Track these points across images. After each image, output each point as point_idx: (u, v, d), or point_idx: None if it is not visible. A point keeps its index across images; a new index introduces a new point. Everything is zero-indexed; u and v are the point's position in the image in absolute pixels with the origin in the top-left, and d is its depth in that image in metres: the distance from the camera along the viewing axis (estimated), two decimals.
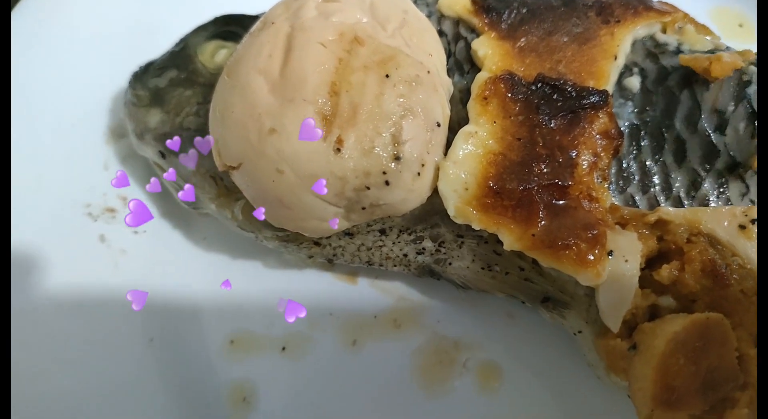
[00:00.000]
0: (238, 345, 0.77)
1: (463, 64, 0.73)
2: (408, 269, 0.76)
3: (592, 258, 0.60)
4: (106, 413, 0.71)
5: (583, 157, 0.66)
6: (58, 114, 0.85)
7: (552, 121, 0.66)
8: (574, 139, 0.66)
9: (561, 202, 0.64)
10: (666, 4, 0.80)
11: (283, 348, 0.77)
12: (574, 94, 0.67)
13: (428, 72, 0.65)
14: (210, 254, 0.82)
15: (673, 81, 0.72)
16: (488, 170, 0.63)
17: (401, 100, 0.62)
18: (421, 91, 0.63)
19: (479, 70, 0.71)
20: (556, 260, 0.61)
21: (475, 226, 0.63)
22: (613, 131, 0.67)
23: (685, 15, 0.80)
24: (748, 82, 0.70)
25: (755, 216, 0.64)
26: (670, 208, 0.66)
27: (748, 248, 0.64)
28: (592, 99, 0.67)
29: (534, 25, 0.73)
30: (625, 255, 0.62)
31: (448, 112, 0.67)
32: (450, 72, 0.72)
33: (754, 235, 0.63)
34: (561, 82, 0.68)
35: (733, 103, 0.70)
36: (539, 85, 0.67)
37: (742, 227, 0.64)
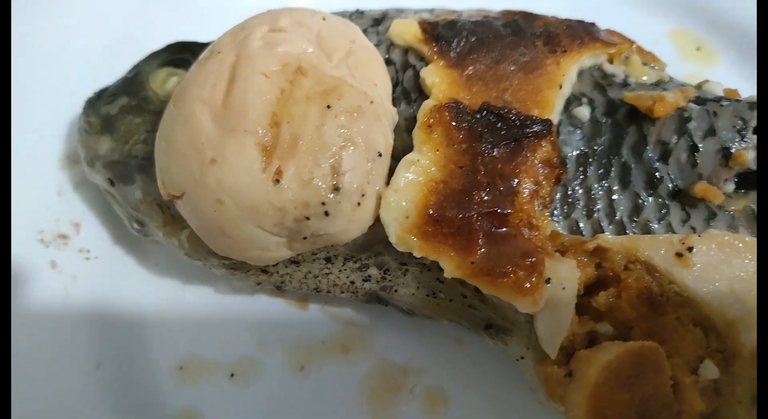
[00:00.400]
0: (187, 371, 0.77)
1: (410, 93, 0.74)
2: (356, 296, 0.76)
3: (529, 285, 0.61)
4: None
5: (524, 186, 0.67)
6: (15, 139, 0.84)
7: (495, 149, 0.67)
8: (515, 168, 0.67)
9: (500, 230, 0.64)
10: (614, 33, 0.82)
11: (232, 375, 0.77)
12: (517, 122, 0.68)
13: (371, 102, 0.66)
14: (161, 280, 0.82)
15: (620, 115, 0.74)
16: (429, 198, 0.64)
17: (342, 130, 0.63)
18: (362, 121, 0.64)
19: (427, 98, 0.72)
20: (495, 288, 0.62)
21: (416, 254, 0.64)
22: (555, 160, 0.68)
23: (632, 44, 0.82)
24: (689, 118, 0.72)
25: (692, 244, 0.65)
26: (609, 236, 0.67)
27: (684, 276, 0.64)
28: (536, 128, 0.68)
29: (482, 53, 0.74)
30: (562, 283, 0.63)
31: (391, 142, 0.68)
32: (397, 100, 0.73)
33: (691, 263, 0.64)
34: (505, 110, 0.69)
35: (675, 137, 0.71)
36: (484, 113, 0.68)
37: (679, 255, 0.65)
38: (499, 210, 0.64)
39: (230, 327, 0.80)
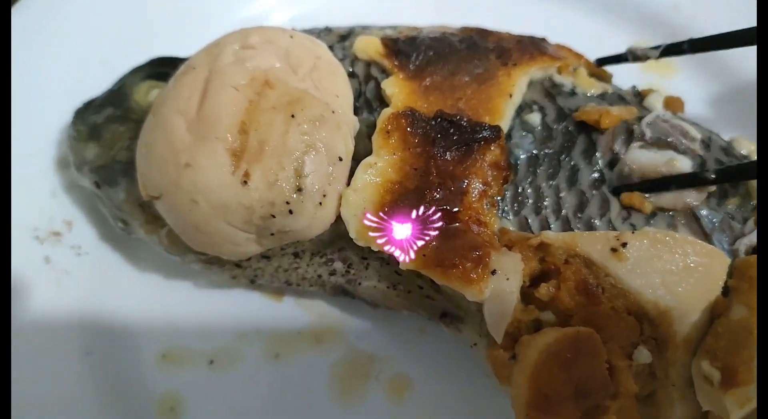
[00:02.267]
0: (170, 358, 0.82)
1: (372, 102, 0.79)
2: (324, 289, 0.81)
3: (475, 276, 0.65)
4: None
5: (473, 186, 0.71)
6: (12, 143, 0.89)
7: (447, 153, 0.71)
8: (465, 170, 0.71)
9: (451, 226, 0.69)
10: (562, 48, 0.87)
11: (211, 362, 0.82)
12: (468, 128, 0.72)
13: (333, 111, 0.71)
14: (147, 274, 0.87)
15: (570, 123, 0.79)
16: (385, 197, 0.69)
17: (305, 137, 0.67)
18: (324, 129, 0.69)
19: (387, 106, 0.77)
20: (445, 278, 0.66)
21: (374, 248, 0.68)
22: (503, 163, 0.73)
23: (580, 58, 0.87)
24: (633, 130, 0.78)
25: (627, 241, 0.69)
26: (551, 233, 0.71)
27: (619, 269, 0.68)
28: (485, 133, 0.72)
29: (439, 66, 0.79)
30: (507, 274, 0.67)
31: (351, 148, 0.72)
32: (360, 109, 0.78)
33: (625, 257, 0.68)
34: (458, 117, 0.73)
35: (624, 147, 0.77)
36: (438, 120, 0.73)
37: (614, 250, 0.68)
38: (449, 208, 0.69)
39: (210, 318, 0.84)
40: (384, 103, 0.79)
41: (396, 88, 0.77)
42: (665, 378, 0.68)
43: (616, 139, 0.78)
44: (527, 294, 0.70)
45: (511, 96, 0.79)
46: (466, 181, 0.71)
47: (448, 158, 0.71)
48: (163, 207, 0.70)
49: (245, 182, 0.65)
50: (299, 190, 0.66)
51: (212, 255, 0.74)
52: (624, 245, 0.69)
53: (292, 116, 0.68)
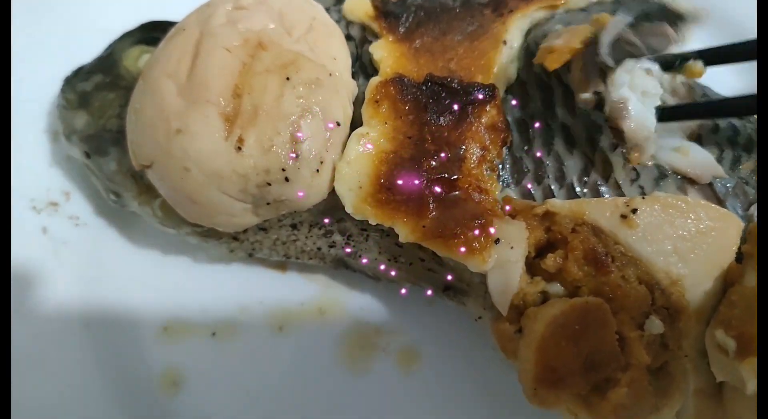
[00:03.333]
0: (171, 332, 0.80)
1: (367, 67, 0.75)
2: (324, 262, 0.78)
3: (477, 245, 0.62)
4: (42, 393, 0.74)
5: (471, 151, 0.67)
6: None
7: (440, 118, 0.67)
8: (461, 134, 0.67)
9: (450, 195, 0.65)
10: None
11: (214, 334, 0.80)
12: (461, 90, 0.68)
13: (330, 75, 0.67)
14: (147, 246, 0.85)
15: (538, 68, 0.72)
16: (380, 168, 0.65)
17: (300, 101, 0.64)
18: (320, 92, 0.65)
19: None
20: (447, 248, 0.63)
21: (372, 221, 0.65)
22: (500, 124, 0.69)
23: None
24: (595, 47, 0.67)
25: (636, 206, 0.65)
26: (557, 200, 0.68)
27: (629, 236, 0.65)
28: (479, 94, 0.68)
29: (430, 26, 0.75)
30: (511, 243, 0.64)
31: (350, 113, 0.69)
32: (356, 74, 0.74)
33: (636, 224, 0.65)
34: (448, 79, 0.69)
35: (602, 83, 0.68)
36: (428, 84, 0.69)
37: (623, 217, 0.65)
38: (447, 176, 0.65)
39: (212, 290, 0.82)
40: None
41: (384, 52, 0.73)
42: (678, 348, 0.65)
43: (589, 77, 0.68)
44: (533, 266, 0.67)
45: (505, 42, 0.74)
46: (463, 147, 0.67)
47: (442, 123, 0.67)
48: (155, 176, 0.67)
49: (239, 148, 0.62)
50: (295, 156, 0.63)
51: (208, 228, 0.71)
52: (634, 211, 0.65)
53: (287, 79, 0.64)
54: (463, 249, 0.62)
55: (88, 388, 0.75)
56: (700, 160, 0.71)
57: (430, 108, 0.67)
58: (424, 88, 0.68)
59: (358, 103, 0.72)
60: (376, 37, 0.75)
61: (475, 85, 0.68)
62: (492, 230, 0.63)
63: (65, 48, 0.90)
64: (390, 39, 0.73)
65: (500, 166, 0.70)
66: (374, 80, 0.70)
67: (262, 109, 0.63)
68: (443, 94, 0.68)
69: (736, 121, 0.74)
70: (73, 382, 0.75)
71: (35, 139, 0.87)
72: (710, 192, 0.70)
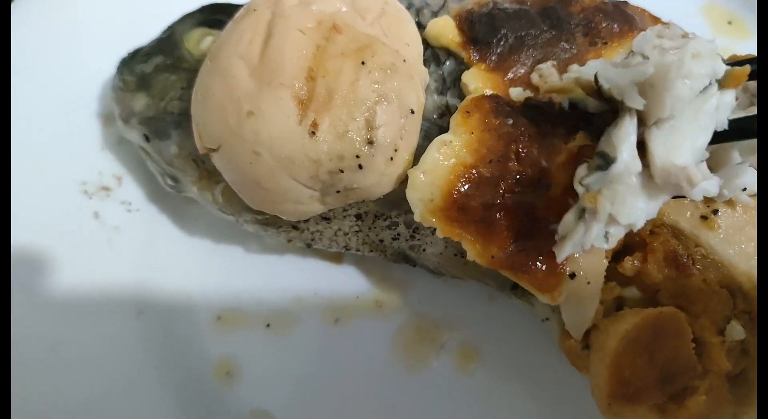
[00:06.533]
0: (225, 321, 0.76)
1: (440, 55, 0.70)
2: (384, 255, 0.73)
3: (548, 284, 0.58)
4: (95, 381, 0.70)
5: (558, 180, 0.60)
6: (60, 98, 0.83)
7: (531, 140, 0.61)
8: (550, 160, 0.61)
9: (526, 225, 0.59)
10: (643, 13, 0.75)
11: (268, 325, 0.76)
12: (560, 114, 0.62)
13: (404, 60, 0.63)
14: (201, 233, 0.81)
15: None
16: (455, 183, 0.59)
17: (376, 86, 0.60)
18: (396, 78, 0.61)
19: (456, 60, 0.68)
20: (516, 279, 0.59)
21: (439, 234, 0.60)
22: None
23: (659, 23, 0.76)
24: None
25: (717, 207, 0.62)
26: None
27: (710, 238, 0.61)
28: (576, 121, 0.61)
29: (523, 53, 0.68)
30: (587, 278, 0.58)
31: (423, 100, 0.65)
32: (427, 62, 0.69)
33: (717, 225, 0.61)
34: (547, 103, 0.63)
35: None
36: (527, 105, 0.63)
37: (704, 218, 0.62)
38: (527, 202, 0.59)
39: (266, 281, 0.78)
40: (452, 55, 0.69)
41: (479, 83, 0.66)
42: None
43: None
44: (609, 270, 0.61)
45: None
46: (551, 174, 0.60)
47: (533, 146, 0.61)
48: (220, 160, 0.62)
49: (313, 133, 0.58)
50: (370, 142, 0.59)
51: (270, 215, 0.67)
52: (715, 212, 0.62)
53: (363, 63, 0.60)
54: (533, 285, 0.58)
55: (141, 376, 0.71)
56: None
57: (523, 128, 0.61)
58: (521, 108, 0.63)
59: (428, 91, 0.67)
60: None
61: (574, 113, 0.62)
62: (566, 267, 0.58)
63: (116, 32, 0.87)
64: (482, 67, 0.67)
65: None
66: (470, 96, 0.64)
67: (337, 93, 0.58)
68: (539, 117, 0.62)
69: None
70: (127, 370, 0.71)
71: (87, 123, 0.83)
72: None
